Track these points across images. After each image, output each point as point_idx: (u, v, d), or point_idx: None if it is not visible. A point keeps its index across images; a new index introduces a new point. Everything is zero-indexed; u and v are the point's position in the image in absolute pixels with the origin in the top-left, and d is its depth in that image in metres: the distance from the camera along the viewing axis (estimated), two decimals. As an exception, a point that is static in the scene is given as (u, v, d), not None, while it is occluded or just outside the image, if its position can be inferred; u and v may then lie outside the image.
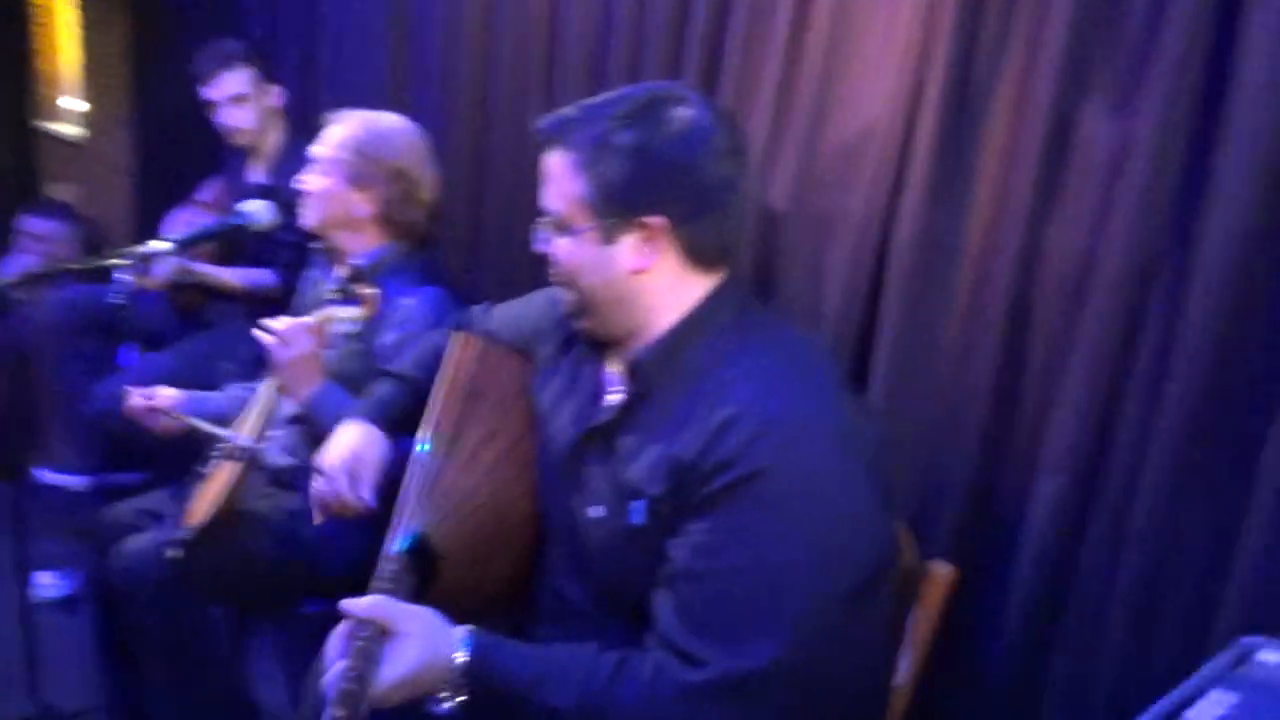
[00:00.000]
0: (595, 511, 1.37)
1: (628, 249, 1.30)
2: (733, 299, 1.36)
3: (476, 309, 1.80)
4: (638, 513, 1.30)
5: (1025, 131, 1.48)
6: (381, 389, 1.75)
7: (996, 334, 1.54)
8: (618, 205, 1.28)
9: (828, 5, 1.69)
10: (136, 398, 2.18)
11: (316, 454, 1.64)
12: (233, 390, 2.40)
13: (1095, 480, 1.44)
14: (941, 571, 1.43)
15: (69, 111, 6.07)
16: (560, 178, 1.31)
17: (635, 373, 1.35)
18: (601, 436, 1.38)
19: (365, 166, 2.09)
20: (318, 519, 1.63)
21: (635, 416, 1.34)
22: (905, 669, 1.44)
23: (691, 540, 1.21)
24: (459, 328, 1.75)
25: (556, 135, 1.32)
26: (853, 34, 1.68)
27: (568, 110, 1.33)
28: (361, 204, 2.10)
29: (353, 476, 1.59)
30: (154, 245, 2.05)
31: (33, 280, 1.94)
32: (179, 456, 2.32)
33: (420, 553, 1.38)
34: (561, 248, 1.34)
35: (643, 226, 1.28)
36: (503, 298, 1.80)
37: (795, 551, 1.17)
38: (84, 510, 3.24)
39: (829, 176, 1.73)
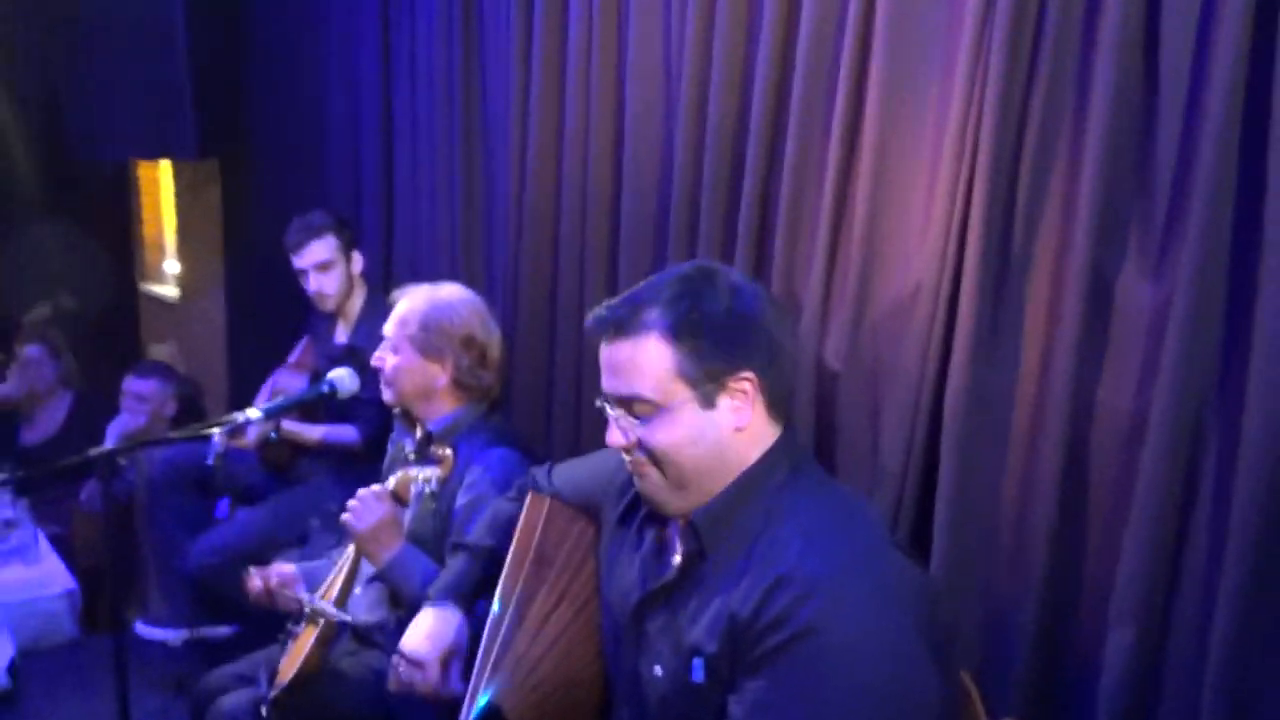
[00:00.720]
0: (658, 671, 1.41)
1: (727, 410, 1.35)
2: (788, 454, 1.41)
3: (539, 470, 1.87)
4: (698, 671, 1.34)
5: (1065, 289, 1.53)
6: (456, 563, 1.82)
7: (1054, 484, 1.56)
8: (712, 369, 1.33)
9: (869, 173, 1.77)
10: (257, 580, 2.26)
11: (404, 639, 1.69)
12: (335, 554, 2.48)
13: (1165, 631, 1.44)
14: (1011, 729, 1.43)
15: (168, 274, 6.45)
16: (642, 361, 1.34)
17: (694, 533, 1.39)
18: (664, 596, 1.42)
19: (436, 339, 2.19)
20: (394, 688, 1.69)
21: (695, 575, 1.39)
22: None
23: (748, 698, 1.25)
24: (526, 489, 1.82)
25: (624, 325, 1.36)
26: (894, 200, 1.76)
27: (619, 303, 1.39)
28: (438, 374, 2.21)
29: (444, 666, 1.65)
30: (247, 414, 2.18)
31: (134, 447, 2.06)
32: (269, 611, 2.40)
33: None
34: (658, 429, 1.35)
35: (737, 383, 1.34)
36: (573, 453, 1.87)
37: (846, 705, 1.20)
38: (180, 664, 3.36)
39: (879, 334, 1.79)
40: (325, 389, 2.26)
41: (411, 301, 2.24)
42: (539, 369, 2.68)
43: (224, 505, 3.63)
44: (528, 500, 1.72)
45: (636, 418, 1.37)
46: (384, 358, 2.22)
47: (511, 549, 1.62)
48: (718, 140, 2.06)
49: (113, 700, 2.16)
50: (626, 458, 1.42)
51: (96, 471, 1.96)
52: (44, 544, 3.28)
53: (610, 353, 1.38)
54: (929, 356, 1.70)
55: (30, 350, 4.49)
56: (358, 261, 3.20)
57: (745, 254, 2.02)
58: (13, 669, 2.86)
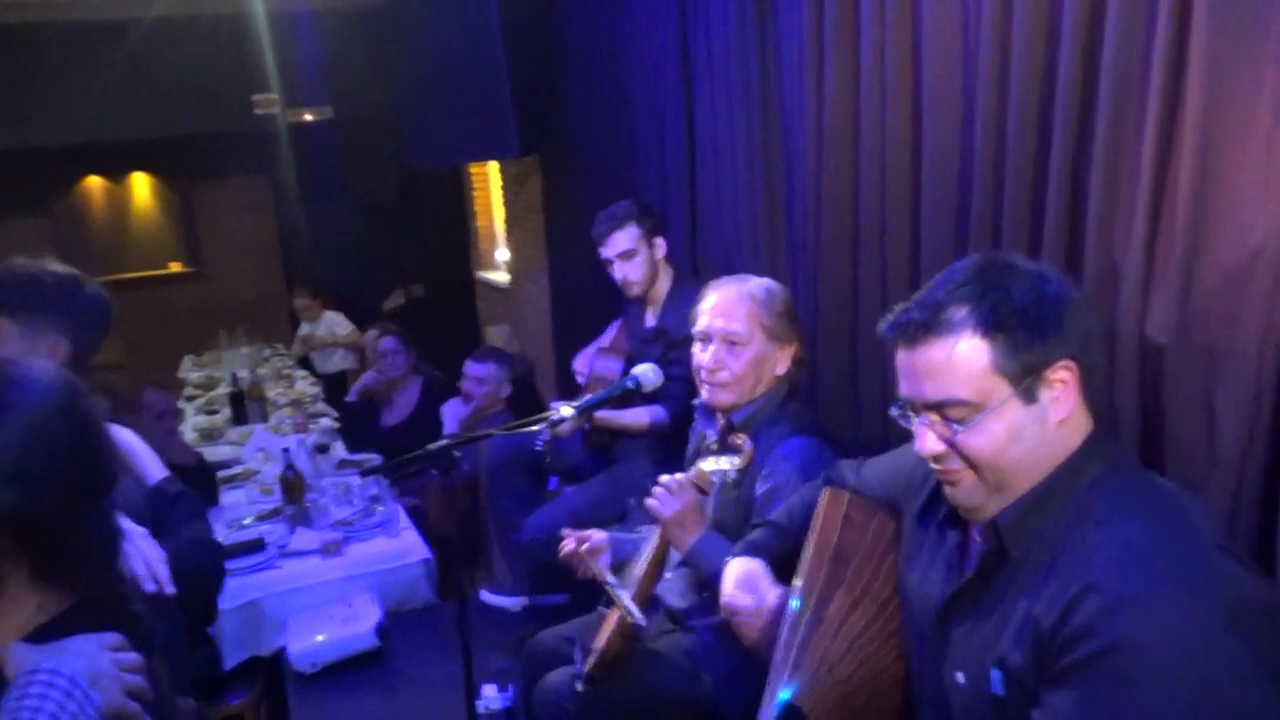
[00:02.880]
0: (960, 677, 1.36)
1: (1048, 402, 1.28)
2: (1102, 449, 1.31)
3: (848, 463, 1.84)
4: (997, 683, 1.28)
5: None
6: (754, 534, 1.85)
7: None
8: (1030, 361, 1.27)
9: (1196, 125, 1.58)
10: (571, 541, 2.42)
11: (721, 596, 1.75)
12: (645, 530, 2.59)
13: None
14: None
15: (500, 262, 6.95)
16: (957, 362, 1.28)
17: (996, 533, 1.32)
18: (968, 600, 1.37)
19: (787, 322, 2.23)
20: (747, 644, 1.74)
21: (998, 578, 1.33)
22: None
23: (1054, 713, 1.18)
24: (830, 481, 1.81)
25: (930, 326, 1.29)
26: (1227, 155, 1.56)
27: (916, 305, 1.33)
28: (781, 360, 2.23)
29: (751, 590, 1.70)
30: (561, 411, 2.32)
31: (465, 440, 2.24)
32: (593, 580, 2.54)
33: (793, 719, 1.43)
34: (977, 432, 1.29)
35: (1055, 373, 1.27)
36: (881, 445, 1.83)
37: None
38: (521, 628, 3.64)
39: (1212, 307, 1.60)
40: (630, 384, 2.36)
41: (739, 289, 2.25)
42: (843, 361, 2.65)
43: (554, 482, 3.89)
44: (826, 496, 1.71)
45: (951, 422, 1.30)
46: (721, 358, 2.21)
47: (811, 546, 1.62)
48: (1022, 107, 1.92)
49: (460, 660, 2.39)
50: (935, 466, 1.36)
51: (435, 463, 2.14)
52: (403, 517, 3.64)
53: (913, 357, 1.32)
54: (1271, 331, 1.50)
55: (385, 343, 5.00)
56: (660, 247, 3.30)
57: (1056, 224, 1.87)
58: (380, 630, 3.20)
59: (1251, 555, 1.46)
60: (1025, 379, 1.26)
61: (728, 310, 2.21)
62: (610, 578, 2.20)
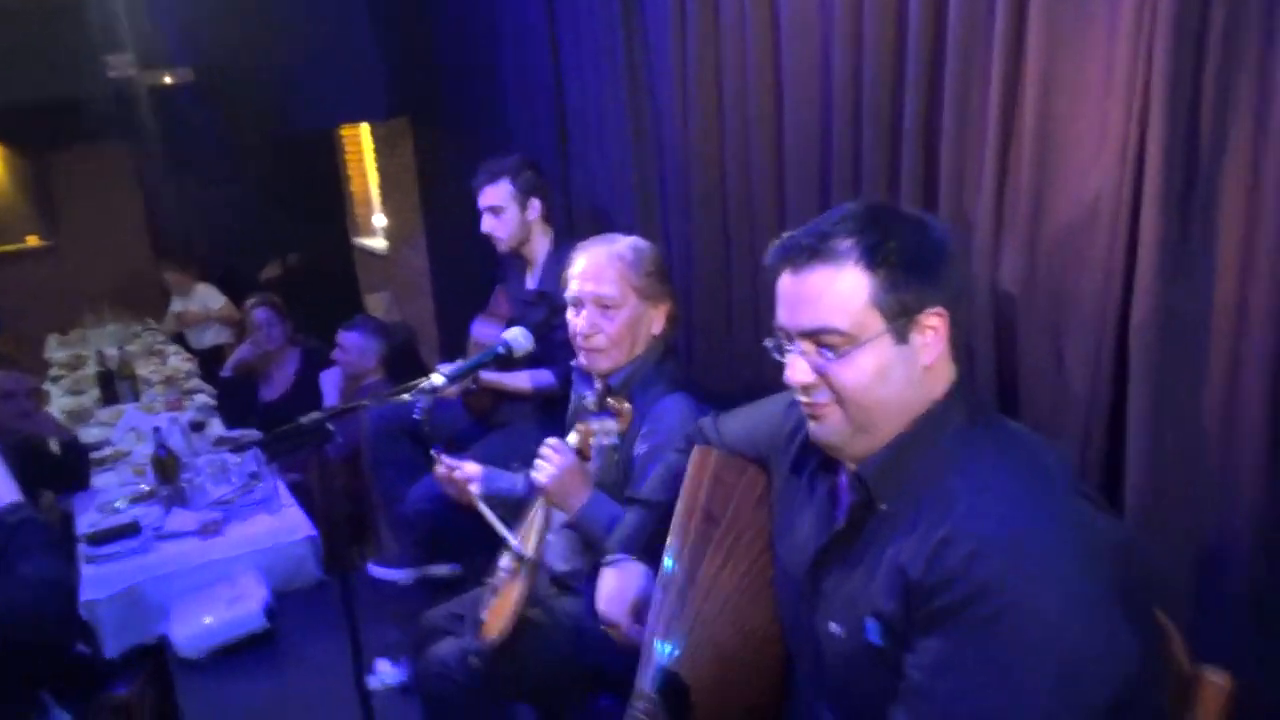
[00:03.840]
0: (835, 629, 1.38)
1: (918, 346, 1.30)
2: (964, 399, 1.35)
3: (706, 420, 1.86)
4: (873, 632, 1.31)
5: (1263, 194, 1.37)
6: (631, 517, 1.85)
7: (1262, 411, 1.42)
8: (908, 300, 1.28)
9: (1036, 82, 1.63)
10: (444, 466, 2.39)
11: (597, 603, 1.76)
12: (521, 475, 2.57)
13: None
14: (1216, 681, 1.33)
15: (377, 228, 6.80)
16: (836, 290, 1.28)
17: (861, 484, 1.35)
18: (838, 551, 1.39)
19: (659, 280, 2.21)
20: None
21: (866, 529, 1.35)
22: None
23: (924, 659, 1.22)
24: (692, 440, 1.82)
25: (817, 252, 1.30)
26: (1065, 109, 1.61)
27: (803, 233, 1.33)
28: (656, 318, 2.22)
29: (637, 619, 1.70)
30: (434, 379, 2.28)
31: (340, 412, 2.19)
32: (484, 551, 2.53)
33: (672, 686, 1.45)
34: (848, 364, 1.29)
35: (928, 318, 1.30)
36: (755, 398, 1.85)
37: (1024, 674, 1.15)
38: (413, 601, 3.61)
39: (1057, 254, 1.67)
40: (500, 349, 2.33)
41: (609, 250, 2.22)
42: (717, 317, 2.68)
43: (436, 451, 3.84)
44: (694, 454, 1.72)
45: (824, 350, 1.31)
46: (595, 322, 2.19)
47: (679, 505, 1.63)
48: (876, 62, 1.96)
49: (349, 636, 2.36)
50: (803, 399, 1.36)
51: (308, 437, 2.08)
52: (285, 493, 3.56)
53: (797, 283, 1.32)
54: (1113, 275, 1.57)
55: (259, 314, 4.85)
56: (534, 209, 3.25)
57: (911, 176, 1.92)
58: (268, 610, 3.13)
59: (1100, 492, 1.54)
60: (900, 318, 1.28)
61: (598, 273, 2.19)
62: (499, 525, 2.19)
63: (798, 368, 1.34)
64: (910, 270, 1.27)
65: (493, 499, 2.34)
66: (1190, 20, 1.39)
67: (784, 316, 1.35)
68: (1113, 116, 1.52)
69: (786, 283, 1.34)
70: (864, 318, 1.28)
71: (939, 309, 1.30)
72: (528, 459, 2.17)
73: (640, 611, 1.72)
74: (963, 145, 1.81)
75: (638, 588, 1.74)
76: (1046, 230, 1.68)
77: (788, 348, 1.35)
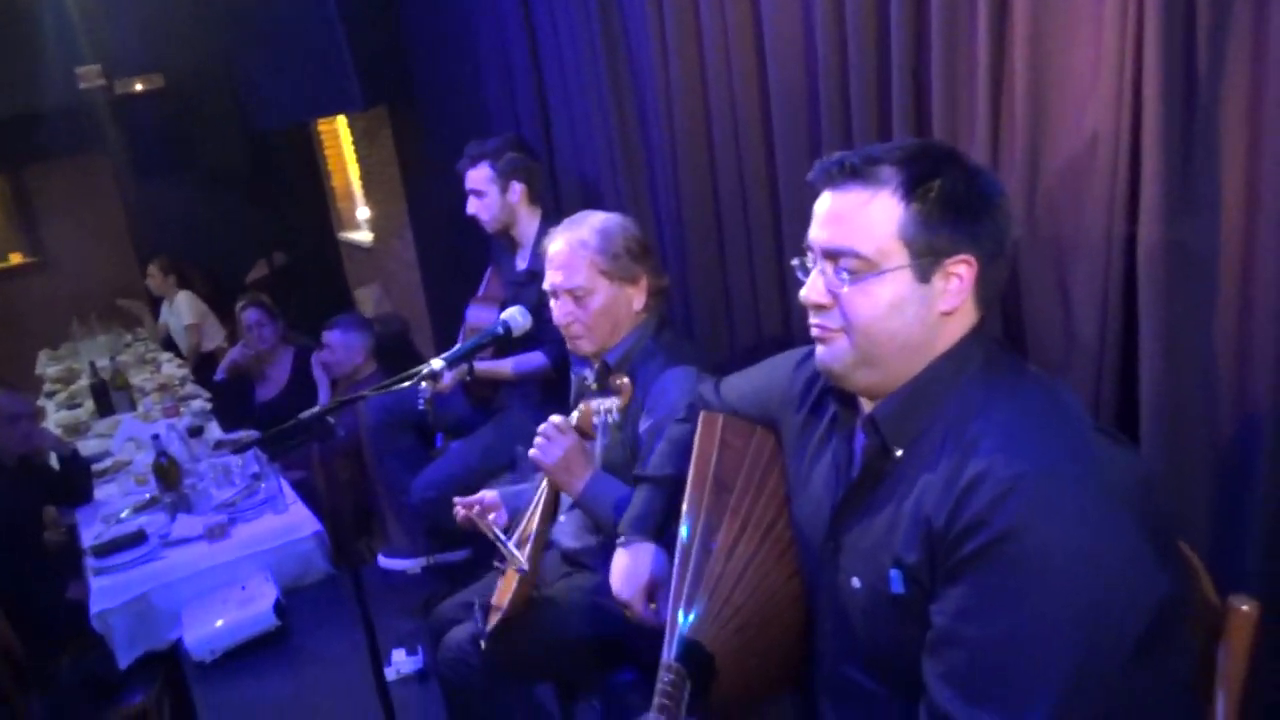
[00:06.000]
0: (855, 582, 1.37)
1: (939, 289, 1.27)
2: (980, 344, 1.32)
3: (707, 386, 1.84)
4: (896, 582, 1.29)
5: (1264, 124, 1.34)
6: (640, 496, 1.84)
7: (1276, 342, 1.39)
8: (938, 242, 1.26)
9: (1025, 17, 1.60)
10: (461, 509, 2.35)
11: (611, 583, 1.75)
12: (538, 478, 2.55)
13: None
14: (1243, 609, 1.31)
15: (361, 221, 6.75)
16: (868, 214, 1.26)
17: (875, 428, 1.33)
18: (856, 504, 1.37)
19: (626, 260, 2.16)
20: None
21: (885, 479, 1.33)
22: (1221, 713, 1.34)
23: (951, 605, 1.20)
24: (695, 409, 1.80)
25: (858, 172, 1.28)
26: (1057, 44, 1.58)
27: (853, 153, 1.30)
28: (634, 296, 2.19)
29: (650, 599, 1.70)
30: (432, 364, 2.25)
31: (340, 405, 2.16)
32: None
33: (695, 656, 1.43)
34: (863, 291, 1.27)
35: (955, 264, 1.27)
36: (753, 363, 1.83)
37: (1055, 612, 1.13)
38: (424, 589, 3.61)
39: (1057, 196, 1.64)
40: (500, 330, 2.30)
41: (572, 237, 2.19)
42: (712, 283, 2.65)
43: (439, 439, 3.83)
44: (700, 420, 1.70)
45: (841, 272, 1.29)
46: (570, 311, 2.18)
47: (690, 474, 1.61)
48: (860, 9, 1.92)
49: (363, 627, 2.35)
50: (814, 320, 1.34)
51: (309, 432, 2.06)
52: (289, 491, 3.55)
53: (833, 200, 1.30)
54: (1115, 215, 1.54)
55: (250, 314, 4.82)
56: (514, 191, 3.21)
57: (902, 125, 1.88)
58: (279, 608, 3.12)
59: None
60: (925, 257, 1.25)
61: (565, 263, 2.17)
62: (500, 534, 2.17)
63: (814, 286, 1.32)
64: (947, 212, 1.25)
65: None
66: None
67: (813, 232, 1.33)
68: (1107, 48, 1.49)
69: (823, 199, 1.32)
70: (889, 246, 1.25)
71: (968, 257, 1.26)
72: (529, 440, 2.15)
73: (654, 592, 1.71)
74: (953, 91, 1.78)
75: (651, 567, 1.73)
76: (1045, 171, 1.65)
77: (811, 265, 1.34)
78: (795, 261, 1.37)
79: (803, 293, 1.33)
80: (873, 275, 1.26)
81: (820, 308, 1.32)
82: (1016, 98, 1.65)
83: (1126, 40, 1.45)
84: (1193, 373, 1.50)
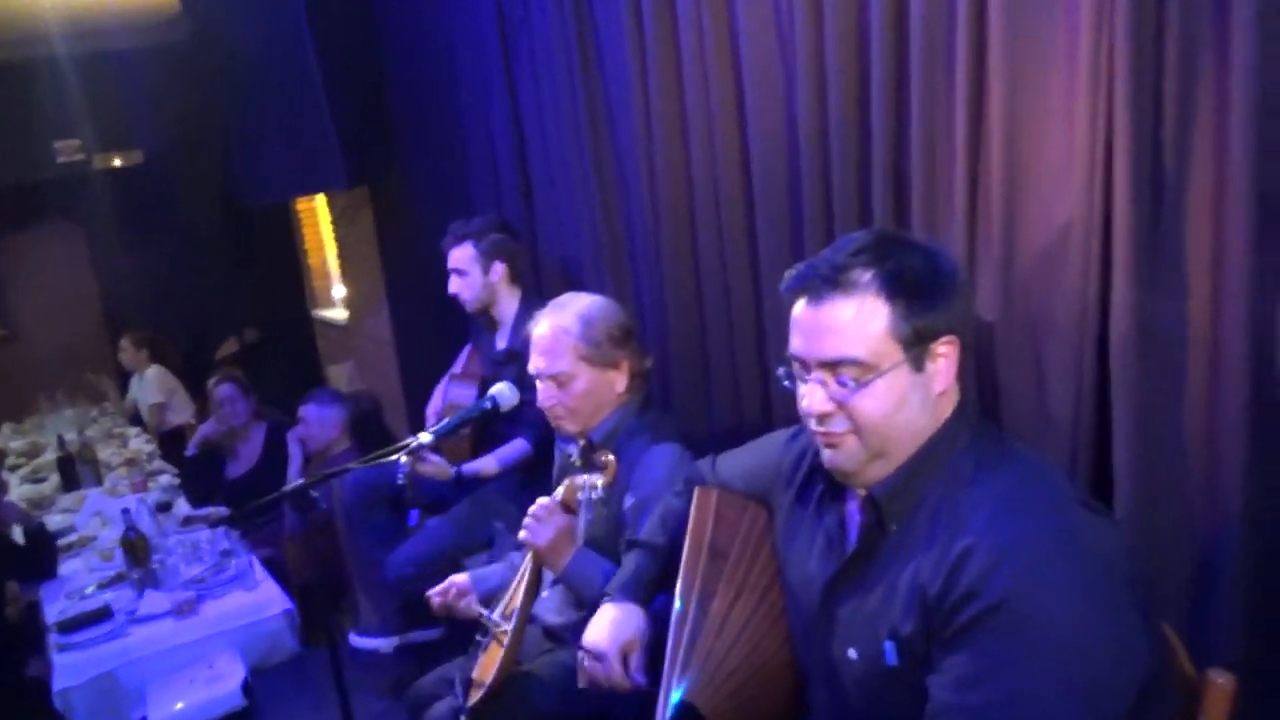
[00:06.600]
0: (852, 653, 1.39)
1: (932, 372, 1.33)
2: (967, 418, 1.38)
3: (704, 462, 1.88)
4: (890, 654, 1.32)
5: (1228, 211, 1.41)
6: (630, 561, 1.85)
7: (1244, 419, 1.45)
8: (923, 330, 1.30)
9: (1001, 112, 1.68)
10: (436, 598, 2.37)
11: (585, 634, 1.74)
12: (514, 558, 2.56)
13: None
14: (1220, 682, 1.35)
15: (336, 299, 6.78)
16: (857, 321, 1.30)
17: (874, 506, 1.36)
18: (851, 577, 1.40)
19: (607, 346, 2.20)
20: (582, 684, 1.73)
21: (880, 551, 1.36)
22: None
23: (949, 676, 1.22)
24: (691, 483, 1.83)
25: (836, 283, 1.31)
26: (1031, 137, 1.66)
27: (818, 261, 1.35)
28: (616, 380, 2.23)
29: (624, 659, 1.69)
30: (419, 438, 2.27)
31: (321, 479, 2.17)
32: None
33: (688, 719, 1.44)
34: (868, 394, 1.31)
35: (940, 346, 1.32)
36: (733, 442, 1.87)
37: (1046, 682, 1.16)
38: (396, 669, 3.55)
39: (1031, 279, 1.71)
40: (488, 405, 2.33)
41: (555, 324, 2.23)
42: (693, 360, 2.69)
43: (414, 516, 3.81)
44: (695, 494, 1.73)
45: (842, 380, 1.32)
46: (553, 395, 2.22)
47: (686, 545, 1.64)
48: (841, 100, 2.01)
49: (339, 708, 2.31)
50: (818, 428, 1.37)
51: (292, 504, 2.06)
52: (258, 569, 3.50)
53: (815, 313, 1.33)
54: (1088, 297, 1.61)
55: (223, 390, 4.80)
56: (495, 271, 3.26)
57: (883, 210, 1.96)
58: (246, 688, 3.06)
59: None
60: (915, 347, 1.30)
61: (547, 349, 2.22)
62: (483, 610, 2.17)
63: (815, 397, 1.35)
64: (925, 299, 1.30)
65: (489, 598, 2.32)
66: (1146, 42, 1.45)
67: (800, 346, 1.36)
68: (1078, 141, 1.57)
69: (804, 313, 1.35)
70: (883, 347, 1.30)
71: (950, 336, 1.33)
72: (508, 518, 2.18)
73: (628, 654, 1.70)
74: (932, 180, 1.86)
75: (632, 627, 1.73)
76: (1020, 256, 1.72)
77: (804, 377, 1.37)
78: (780, 371, 1.41)
79: (804, 404, 1.36)
80: (876, 377, 1.31)
81: (825, 416, 1.35)
82: (993, 186, 1.73)
83: (1097, 134, 1.53)
84: (1165, 450, 1.55)
